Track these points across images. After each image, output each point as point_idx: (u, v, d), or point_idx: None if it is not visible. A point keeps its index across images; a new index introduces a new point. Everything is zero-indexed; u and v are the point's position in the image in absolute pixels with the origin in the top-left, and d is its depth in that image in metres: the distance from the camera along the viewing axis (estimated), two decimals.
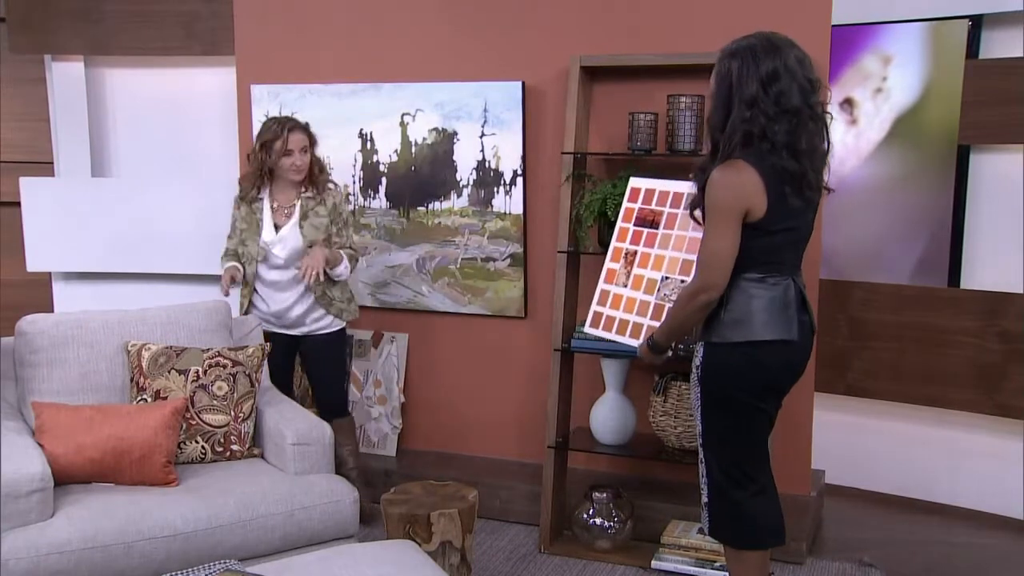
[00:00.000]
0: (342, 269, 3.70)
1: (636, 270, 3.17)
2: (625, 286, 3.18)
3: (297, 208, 3.69)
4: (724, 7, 3.67)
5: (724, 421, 2.68)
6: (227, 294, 3.61)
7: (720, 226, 2.53)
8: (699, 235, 2.88)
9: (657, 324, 2.94)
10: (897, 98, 4.18)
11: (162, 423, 2.94)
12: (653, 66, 3.67)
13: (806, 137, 2.52)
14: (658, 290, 3.11)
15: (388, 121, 4.21)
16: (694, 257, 3.26)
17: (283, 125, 3.64)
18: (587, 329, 3.27)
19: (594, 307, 3.24)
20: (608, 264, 3.25)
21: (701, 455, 2.77)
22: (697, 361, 2.69)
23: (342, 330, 3.85)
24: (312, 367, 3.90)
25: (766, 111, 2.48)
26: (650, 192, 3.25)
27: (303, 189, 3.71)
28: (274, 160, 3.62)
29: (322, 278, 3.59)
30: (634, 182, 3.29)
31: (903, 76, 4.16)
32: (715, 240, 2.54)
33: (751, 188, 2.50)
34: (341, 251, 3.70)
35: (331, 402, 3.89)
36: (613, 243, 3.27)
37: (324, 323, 3.78)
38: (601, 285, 3.25)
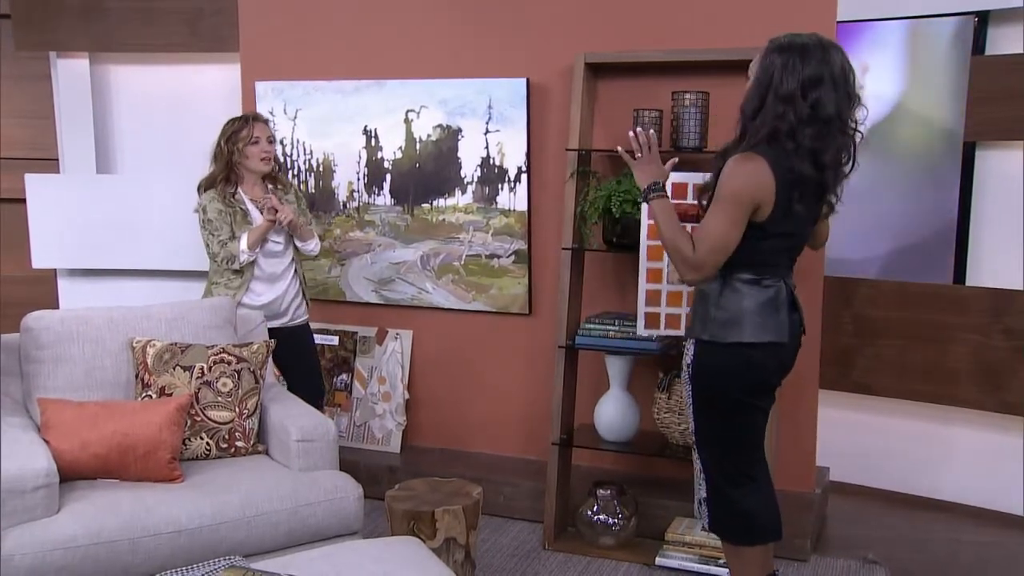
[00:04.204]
0: (313, 246, 3.81)
1: None
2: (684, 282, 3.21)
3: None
4: (728, 4, 3.66)
5: (716, 419, 2.69)
6: (275, 210, 3.55)
7: (727, 212, 2.48)
8: None
9: None
10: (875, 103, 4.19)
11: (167, 420, 2.94)
12: (658, 63, 3.66)
13: (833, 149, 2.48)
14: None
15: (392, 118, 4.21)
16: None
17: (246, 118, 3.67)
18: (644, 331, 3.23)
19: (645, 308, 3.22)
20: (648, 264, 3.27)
21: (696, 452, 2.78)
22: (688, 359, 2.70)
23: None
24: (297, 356, 3.85)
25: (800, 113, 2.45)
26: (680, 186, 3.25)
27: (268, 185, 3.75)
28: (241, 150, 3.61)
29: (295, 222, 3.65)
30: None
31: (884, 76, 4.17)
32: (719, 223, 2.49)
33: (764, 185, 2.47)
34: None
35: (320, 389, 3.93)
36: (646, 242, 3.29)
37: (302, 310, 3.86)
38: (646, 286, 3.24)
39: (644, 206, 3.10)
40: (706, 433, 2.72)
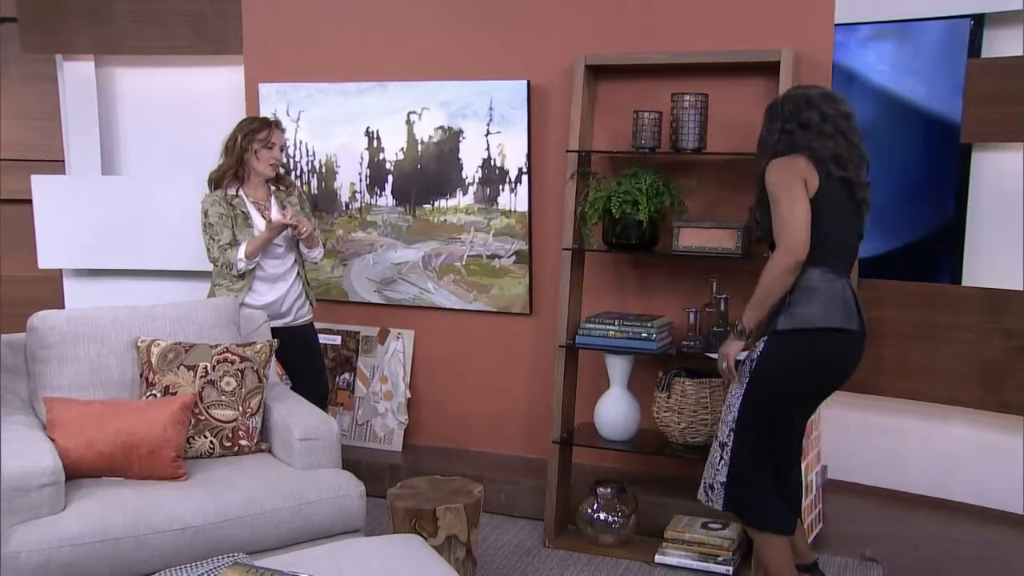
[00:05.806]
0: (317, 254, 3.84)
1: None
2: None
3: (273, 200, 3.76)
4: (728, 6, 3.69)
5: (769, 407, 2.84)
6: (283, 217, 3.61)
7: (788, 194, 2.73)
8: None
9: None
10: (872, 105, 4.22)
11: (171, 418, 2.97)
12: (657, 64, 3.68)
13: (824, 140, 2.80)
14: None
15: (394, 119, 4.24)
16: None
17: (268, 121, 3.71)
18: None
19: None
20: None
21: (729, 438, 2.90)
22: (754, 355, 2.85)
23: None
24: (302, 356, 3.87)
25: (785, 126, 2.86)
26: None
27: (271, 186, 3.78)
28: (255, 150, 3.65)
29: (313, 235, 3.71)
30: None
31: (882, 78, 4.20)
32: (786, 206, 2.72)
33: (803, 164, 2.77)
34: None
35: (324, 389, 3.94)
36: None
37: (305, 310, 3.88)
38: None
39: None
40: (750, 418, 2.86)
